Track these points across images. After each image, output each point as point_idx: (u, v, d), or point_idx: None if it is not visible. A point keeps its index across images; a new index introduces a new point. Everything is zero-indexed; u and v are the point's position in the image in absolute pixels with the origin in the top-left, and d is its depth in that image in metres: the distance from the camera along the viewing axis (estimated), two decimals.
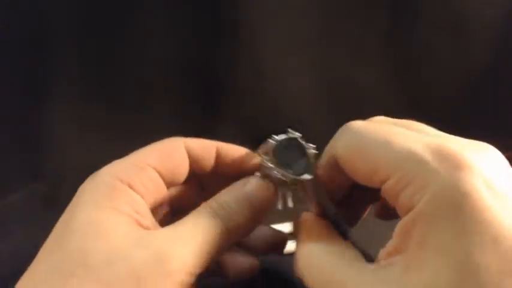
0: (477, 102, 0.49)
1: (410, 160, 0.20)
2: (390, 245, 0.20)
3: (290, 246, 0.38)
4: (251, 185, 0.25)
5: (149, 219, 0.24)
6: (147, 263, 0.21)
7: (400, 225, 0.20)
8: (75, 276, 0.20)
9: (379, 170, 0.21)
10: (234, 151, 0.29)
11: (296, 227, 0.27)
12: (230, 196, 0.25)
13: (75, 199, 0.24)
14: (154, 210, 0.26)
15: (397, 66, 0.50)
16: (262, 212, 0.25)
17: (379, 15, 0.48)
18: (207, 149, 0.28)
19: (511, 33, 0.49)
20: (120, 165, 0.25)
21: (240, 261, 0.29)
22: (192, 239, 0.22)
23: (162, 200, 0.27)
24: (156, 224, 0.25)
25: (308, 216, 0.26)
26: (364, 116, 0.31)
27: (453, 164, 0.19)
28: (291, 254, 0.37)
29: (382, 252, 0.21)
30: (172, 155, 0.27)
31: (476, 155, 0.19)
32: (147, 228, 0.23)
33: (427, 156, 0.19)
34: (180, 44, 0.48)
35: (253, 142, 0.30)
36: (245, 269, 0.29)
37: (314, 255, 0.23)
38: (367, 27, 0.49)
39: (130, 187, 0.24)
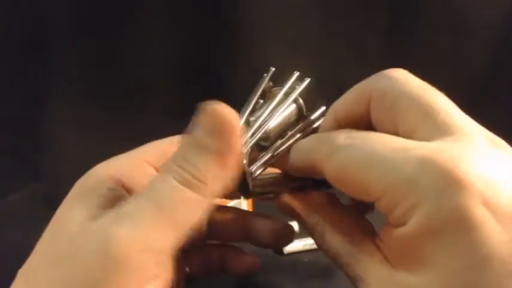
0: (477, 102, 0.49)
1: (400, 180, 0.19)
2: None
3: (290, 246, 0.38)
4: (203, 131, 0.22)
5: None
6: (93, 253, 0.19)
7: (391, 240, 0.20)
8: (39, 275, 0.20)
9: (369, 191, 0.20)
10: None
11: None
12: (188, 154, 0.21)
13: (67, 197, 0.23)
14: None
15: (397, 66, 0.50)
16: (225, 153, 0.21)
17: (379, 15, 0.48)
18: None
19: (511, 33, 0.49)
20: (117, 162, 0.25)
21: (241, 259, 0.29)
22: (143, 215, 0.19)
23: None
24: None
25: None
26: None
27: (445, 182, 0.18)
28: (291, 254, 0.38)
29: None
30: (171, 152, 0.26)
31: (472, 167, 0.18)
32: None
33: (417, 174, 0.18)
34: (180, 44, 0.48)
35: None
36: (246, 266, 0.29)
37: None
38: (367, 27, 0.49)
39: (124, 187, 0.23)
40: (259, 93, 0.29)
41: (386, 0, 0.48)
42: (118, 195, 0.22)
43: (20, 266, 0.22)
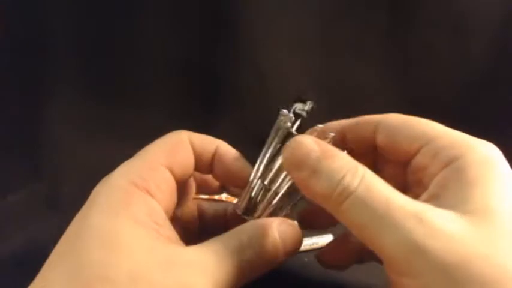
0: (477, 102, 0.49)
1: (410, 257, 0.20)
2: (425, 194, 0.22)
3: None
4: (271, 242, 0.24)
5: (167, 228, 0.23)
6: (170, 284, 0.20)
7: (437, 179, 0.22)
8: None
9: (377, 249, 0.21)
10: (230, 153, 0.28)
11: None
12: (250, 245, 0.23)
13: (88, 203, 0.23)
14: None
15: (397, 66, 0.50)
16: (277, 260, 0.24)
17: (379, 15, 0.48)
18: (207, 144, 0.28)
19: (511, 33, 0.49)
20: (134, 167, 0.24)
21: None
22: (213, 272, 0.21)
23: (174, 200, 0.26)
24: (174, 233, 0.24)
25: None
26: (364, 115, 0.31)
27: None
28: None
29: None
30: (180, 150, 0.27)
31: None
32: (166, 238, 0.23)
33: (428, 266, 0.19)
34: (180, 44, 0.48)
35: (253, 142, 0.30)
36: None
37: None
38: (367, 27, 0.49)
39: (147, 192, 0.23)
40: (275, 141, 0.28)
41: (386, 0, 0.48)
42: (145, 208, 0.23)
43: (20, 265, 0.22)
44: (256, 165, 0.28)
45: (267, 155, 0.28)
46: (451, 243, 0.19)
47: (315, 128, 0.28)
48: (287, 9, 0.47)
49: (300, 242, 0.25)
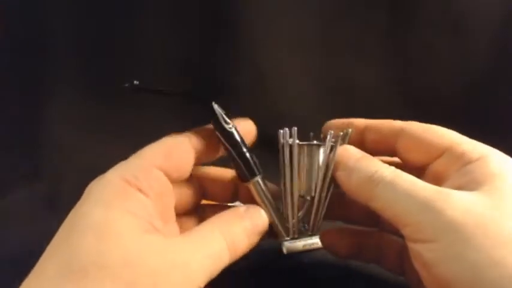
0: (477, 102, 0.49)
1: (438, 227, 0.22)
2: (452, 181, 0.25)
3: (290, 246, 0.38)
4: (254, 218, 0.28)
5: (159, 223, 0.24)
6: (164, 269, 0.22)
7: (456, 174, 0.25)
8: (89, 276, 0.20)
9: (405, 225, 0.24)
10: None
11: None
12: (234, 223, 0.27)
13: (83, 198, 0.24)
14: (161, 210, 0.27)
15: (397, 66, 0.50)
16: (259, 239, 0.28)
17: (379, 15, 0.48)
18: (211, 142, 0.29)
19: (511, 33, 0.49)
20: (127, 167, 0.25)
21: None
22: (200, 255, 0.24)
23: (168, 200, 0.27)
24: (166, 228, 0.25)
25: None
26: (364, 115, 0.31)
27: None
28: (291, 254, 0.38)
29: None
30: (177, 152, 0.27)
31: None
32: (158, 231, 0.24)
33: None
34: (180, 44, 0.48)
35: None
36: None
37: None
38: (367, 27, 0.49)
39: (140, 191, 0.24)
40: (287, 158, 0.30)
41: (386, 0, 0.48)
42: (138, 202, 0.24)
43: (20, 265, 0.22)
44: (284, 186, 0.29)
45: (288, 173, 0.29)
46: (468, 210, 0.22)
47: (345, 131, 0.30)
48: (287, 9, 0.47)
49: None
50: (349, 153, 0.28)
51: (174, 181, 0.27)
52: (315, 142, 0.29)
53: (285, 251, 0.38)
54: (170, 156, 0.27)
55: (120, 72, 0.48)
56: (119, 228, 0.22)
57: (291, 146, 0.29)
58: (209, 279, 0.24)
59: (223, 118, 0.28)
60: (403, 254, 0.30)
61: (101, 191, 0.24)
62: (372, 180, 0.25)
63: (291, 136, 0.29)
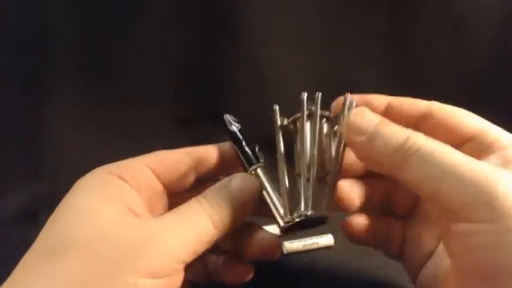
0: (477, 102, 0.49)
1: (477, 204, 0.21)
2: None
3: (291, 246, 0.38)
4: (236, 181, 0.26)
5: (142, 209, 0.25)
6: (136, 243, 0.22)
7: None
8: (68, 254, 0.21)
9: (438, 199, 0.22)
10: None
11: None
12: (217, 193, 0.26)
13: (71, 190, 0.25)
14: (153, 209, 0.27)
15: (397, 66, 0.50)
16: (247, 208, 0.27)
17: (379, 15, 0.48)
18: (208, 153, 0.29)
19: (511, 33, 0.49)
20: (115, 163, 0.27)
21: (236, 269, 0.30)
22: (179, 229, 0.23)
23: (159, 199, 0.28)
24: (149, 215, 0.26)
25: None
26: None
27: None
28: (291, 254, 0.38)
29: None
30: (172, 160, 0.28)
31: None
32: (138, 216, 0.25)
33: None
34: (180, 44, 0.48)
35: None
36: (240, 275, 0.30)
37: None
38: (367, 27, 0.49)
39: (120, 178, 0.25)
40: (280, 135, 0.30)
41: (386, 0, 0.48)
42: (119, 189, 0.25)
43: None
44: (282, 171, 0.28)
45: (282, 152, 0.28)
46: None
47: (345, 95, 0.28)
48: (287, 9, 0.47)
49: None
50: (367, 116, 0.25)
51: (169, 186, 0.28)
52: (324, 112, 0.28)
53: (285, 251, 0.38)
54: (163, 162, 0.28)
55: (120, 72, 0.48)
56: (97, 212, 0.23)
57: (293, 122, 0.29)
58: (194, 254, 0.24)
59: (230, 122, 0.31)
60: (405, 240, 0.29)
61: (86, 183, 0.25)
62: (405, 149, 0.22)
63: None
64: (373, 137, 0.24)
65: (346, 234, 0.30)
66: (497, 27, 0.49)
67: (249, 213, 0.27)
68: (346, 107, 0.27)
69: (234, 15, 0.47)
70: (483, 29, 0.49)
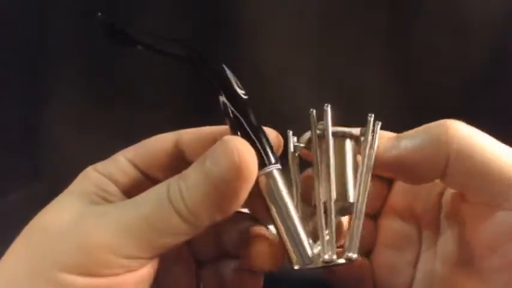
0: (477, 102, 0.49)
1: None
2: None
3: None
4: (216, 155, 0.20)
5: (119, 198, 0.24)
6: (71, 235, 0.20)
7: None
8: (13, 248, 0.22)
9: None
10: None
11: None
12: (192, 172, 0.20)
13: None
14: None
15: (397, 66, 0.50)
16: (233, 192, 0.20)
17: (379, 15, 0.48)
18: (201, 139, 0.25)
19: (511, 33, 0.49)
20: (104, 161, 0.26)
21: (244, 281, 0.27)
22: (124, 217, 0.20)
23: (141, 189, 0.25)
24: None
25: None
26: (364, 116, 0.31)
27: None
28: None
29: None
30: (152, 149, 0.26)
31: None
32: (111, 202, 0.23)
33: None
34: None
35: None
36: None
37: None
38: (367, 27, 0.49)
39: (95, 170, 0.25)
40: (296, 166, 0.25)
41: (386, 0, 0.48)
42: (94, 180, 0.24)
43: None
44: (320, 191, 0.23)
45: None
46: None
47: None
48: (287, 9, 0.47)
49: None
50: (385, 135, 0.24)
51: (149, 176, 0.25)
52: (343, 130, 0.23)
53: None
54: (142, 152, 0.26)
55: (120, 72, 0.48)
56: (57, 205, 0.23)
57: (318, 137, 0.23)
58: (153, 248, 0.20)
59: (237, 83, 0.23)
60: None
61: (73, 183, 0.25)
62: (444, 141, 0.22)
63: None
64: (399, 139, 0.24)
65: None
66: (497, 27, 0.49)
67: (239, 200, 0.20)
68: (370, 129, 0.24)
69: (234, 15, 0.47)
70: (483, 29, 0.49)
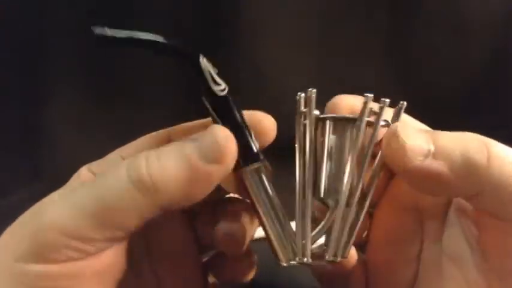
0: (477, 102, 0.49)
1: None
2: None
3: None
4: (197, 139, 0.20)
5: None
6: (26, 223, 0.20)
7: None
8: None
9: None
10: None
11: None
12: (164, 150, 0.20)
13: None
14: None
15: (397, 66, 0.50)
16: (204, 173, 0.19)
17: (379, 15, 0.48)
18: (192, 132, 0.23)
19: (511, 33, 0.49)
20: (99, 161, 0.26)
21: (231, 265, 0.26)
22: (77, 194, 0.19)
23: None
24: None
25: None
26: None
27: None
28: None
29: None
30: (145, 146, 0.25)
31: None
32: None
33: None
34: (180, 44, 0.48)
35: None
36: (242, 273, 0.27)
37: None
38: (367, 27, 0.49)
39: (89, 170, 0.25)
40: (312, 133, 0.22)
41: (386, 0, 0.48)
42: (85, 175, 0.25)
43: None
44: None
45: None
46: None
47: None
48: (287, 9, 0.47)
49: None
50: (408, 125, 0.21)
51: None
52: (345, 116, 0.21)
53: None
54: (133, 145, 0.26)
55: (120, 72, 0.48)
56: (45, 201, 0.21)
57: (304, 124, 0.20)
58: (108, 227, 0.19)
59: (213, 78, 0.20)
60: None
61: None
62: (485, 169, 0.19)
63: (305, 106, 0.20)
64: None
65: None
66: (497, 27, 0.49)
67: (210, 184, 0.20)
68: (367, 111, 0.22)
69: (234, 15, 0.47)
70: (483, 29, 0.49)
